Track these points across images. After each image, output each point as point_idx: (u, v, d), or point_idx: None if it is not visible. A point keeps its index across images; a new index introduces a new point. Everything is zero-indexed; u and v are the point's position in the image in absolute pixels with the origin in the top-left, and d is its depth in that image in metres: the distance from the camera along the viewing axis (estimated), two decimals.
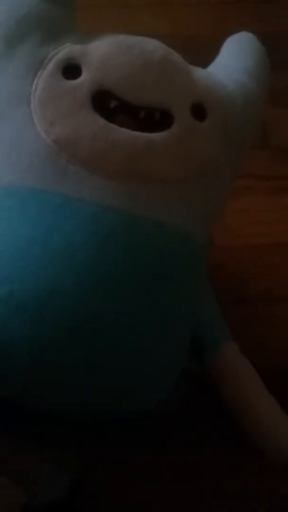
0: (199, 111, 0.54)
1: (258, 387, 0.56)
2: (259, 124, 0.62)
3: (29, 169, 0.50)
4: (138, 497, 0.57)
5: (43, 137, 0.50)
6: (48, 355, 0.47)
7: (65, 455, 0.56)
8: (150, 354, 0.50)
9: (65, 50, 0.53)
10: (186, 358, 0.54)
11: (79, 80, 0.52)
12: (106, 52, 0.53)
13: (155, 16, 0.90)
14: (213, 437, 0.59)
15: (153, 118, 0.52)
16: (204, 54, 0.61)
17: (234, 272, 0.73)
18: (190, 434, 0.60)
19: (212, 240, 0.68)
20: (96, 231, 0.48)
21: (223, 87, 0.57)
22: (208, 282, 0.57)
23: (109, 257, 0.48)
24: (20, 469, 0.54)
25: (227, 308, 0.59)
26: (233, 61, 0.61)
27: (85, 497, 0.56)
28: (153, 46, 0.55)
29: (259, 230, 0.77)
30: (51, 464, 0.55)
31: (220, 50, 0.64)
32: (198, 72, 0.57)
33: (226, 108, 0.56)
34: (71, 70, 0.52)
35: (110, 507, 0.57)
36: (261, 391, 0.56)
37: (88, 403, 0.51)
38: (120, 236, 0.49)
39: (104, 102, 0.51)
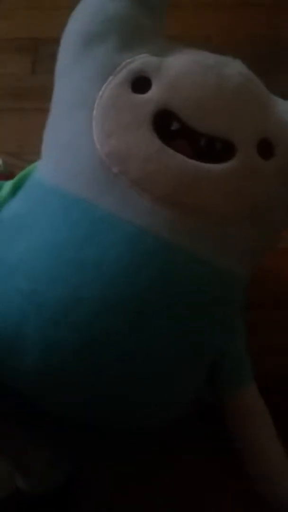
0: (266, 148, 0.51)
1: (270, 435, 0.55)
2: None
3: (78, 176, 0.50)
4: (137, 497, 0.58)
5: (97, 147, 0.49)
6: (58, 358, 0.47)
7: (63, 450, 0.56)
8: (161, 377, 0.50)
9: (140, 60, 0.51)
10: (200, 386, 0.54)
11: (146, 95, 0.50)
12: (180, 71, 0.50)
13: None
14: (213, 437, 0.59)
15: (214, 148, 0.50)
16: None
17: None
18: (190, 435, 0.60)
19: None
20: (130, 250, 0.47)
21: None
22: (241, 320, 0.56)
23: (138, 278, 0.47)
24: (18, 457, 0.55)
25: None
26: None
27: (81, 495, 0.56)
28: (233, 70, 0.52)
29: None
30: (50, 456, 0.55)
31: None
32: (277, 104, 0.54)
33: None
34: (141, 83, 0.50)
35: (108, 507, 0.57)
36: (273, 439, 0.55)
37: (88, 410, 0.50)
38: (153, 260, 0.48)
39: (166, 123, 0.49)
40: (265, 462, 0.55)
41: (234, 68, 0.52)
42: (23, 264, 0.48)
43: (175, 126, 0.49)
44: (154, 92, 0.50)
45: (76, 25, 0.53)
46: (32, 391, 0.49)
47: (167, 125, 0.49)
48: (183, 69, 0.50)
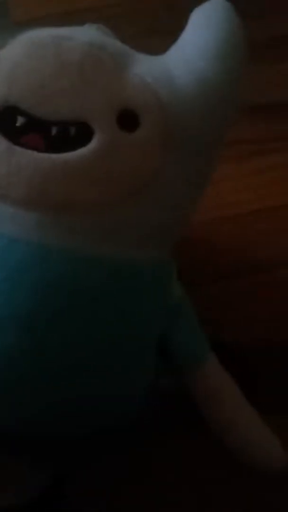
0: (129, 119, 0.47)
1: (240, 405, 0.53)
2: (230, 118, 0.52)
3: None
4: (137, 497, 0.57)
5: None
6: None
7: (44, 454, 0.55)
8: (78, 381, 0.48)
9: None
10: (143, 377, 0.52)
11: None
12: (15, 59, 0.47)
13: None
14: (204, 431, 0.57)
15: (68, 135, 0.46)
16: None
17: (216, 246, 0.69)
18: (190, 435, 0.58)
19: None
20: (3, 263, 0.45)
21: (169, 81, 0.48)
22: (179, 297, 0.53)
23: (17, 290, 0.45)
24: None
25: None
26: (195, 40, 0.50)
27: (67, 497, 0.56)
28: (77, 41, 0.48)
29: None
30: (30, 464, 0.55)
31: None
32: (140, 65, 0.49)
33: (168, 109, 0.47)
34: None
35: (108, 507, 0.57)
36: (243, 408, 0.53)
37: (30, 425, 0.50)
38: (30, 268, 0.45)
39: (13, 119, 0.46)
40: (240, 432, 0.52)
41: (80, 38, 0.48)
42: None
43: (20, 121, 0.46)
44: None
45: None
46: None
47: (14, 122, 0.46)
48: (18, 57, 0.47)
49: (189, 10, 0.51)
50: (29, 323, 0.45)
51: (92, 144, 0.46)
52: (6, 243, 0.45)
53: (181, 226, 0.52)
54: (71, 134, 0.46)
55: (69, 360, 0.47)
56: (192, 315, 0.53)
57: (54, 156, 0.45)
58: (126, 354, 0.49)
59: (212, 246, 0.68)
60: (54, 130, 0.46)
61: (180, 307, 0.52)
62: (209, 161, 0.51)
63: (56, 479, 0.55)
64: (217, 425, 0.52)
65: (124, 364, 0.49)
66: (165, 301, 0.51)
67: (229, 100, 0.50)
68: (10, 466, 0.54)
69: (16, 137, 0.46)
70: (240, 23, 0.50)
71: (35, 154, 0.45)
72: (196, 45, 0.49)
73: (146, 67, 0.48)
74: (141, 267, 0.49)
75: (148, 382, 0.52)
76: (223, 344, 0.55)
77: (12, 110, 0.46)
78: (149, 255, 0.49)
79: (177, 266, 0.53)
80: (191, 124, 0.48)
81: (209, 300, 0.55)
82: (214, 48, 0.49)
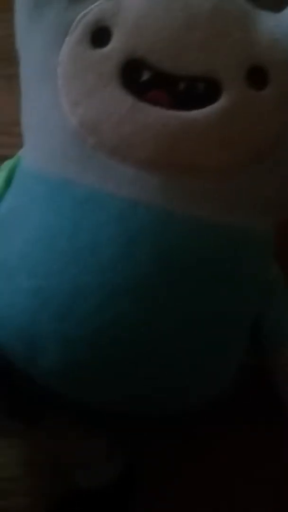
0: (258, 77, 0.44)
1: None
2: None
3: (55, 156, 0.45)
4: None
5: (68, 119, 0.45)
6: (75, 352, 0.45)
7: (118, 441, 0.55)
8: (183, 357, 0.46)
9: (96, 9, 0.45)
10: (239, 354, 0.50)
11: (108, 48, 0.44)
12: (141, 9, 0.44)
13: None
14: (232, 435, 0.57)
15: (196, 91, 0.44)
16: None
17: None
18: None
19: None
20: (124, 228, 0.43)
21: None
22: (276, 274, 0.51)
23: (137, 256, 0.43)
24: (74, 451, 0.54)
25: None
26: None
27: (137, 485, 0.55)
28: None
29: None
30: (104, 449, 0.54)
31: None
32: (265, 21, 0.46)
33: None
34: (100, 35, 0.44)
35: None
36: None
37: (122, 401, 0.48)
38: (151, 234, 0.43)
39: (138, 74, 0.44)
40: None
41: None
42: (23, 262, 0.45)
43: (146, 75, 0.44)
44: (115, 42, 0.44)
45: None
46: (63, 387, 0.47)
47: (139, 77, 0.44)
48: (144, 7, 0.44)
49: None
50: (146, 293, 0.43)
51: (221, 102, 0.43)
52: (126, 207, 0.43)
53: None
54: (199, 90, 0.44)
55: (183, 332, 0.45)
56: (287, 294, 0.51)
57: (182, 113, 0.43)
58: (230, 328, 0.48)
59: None
60: (181, 86, 0.44)
61: (276, 284, 0.51)
62: None
63: (127, 467, 0.54)
64: None
65: (225, 339, 0.48)
66: (266, 276, 0.50)
67: None
68: (92, 443, 0.53)
69: (140, 92, 0.43)
70: None
71: (163, 111, 0.43)
72: None
73: (273, 23, 0.46)
74: (256, 238, 0.48)
75: (240, 359, 0.50)
76: None
77: (136, 63, 0.44)
78: (263, 225, 0.48)
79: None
80: None
81: None
82: None
